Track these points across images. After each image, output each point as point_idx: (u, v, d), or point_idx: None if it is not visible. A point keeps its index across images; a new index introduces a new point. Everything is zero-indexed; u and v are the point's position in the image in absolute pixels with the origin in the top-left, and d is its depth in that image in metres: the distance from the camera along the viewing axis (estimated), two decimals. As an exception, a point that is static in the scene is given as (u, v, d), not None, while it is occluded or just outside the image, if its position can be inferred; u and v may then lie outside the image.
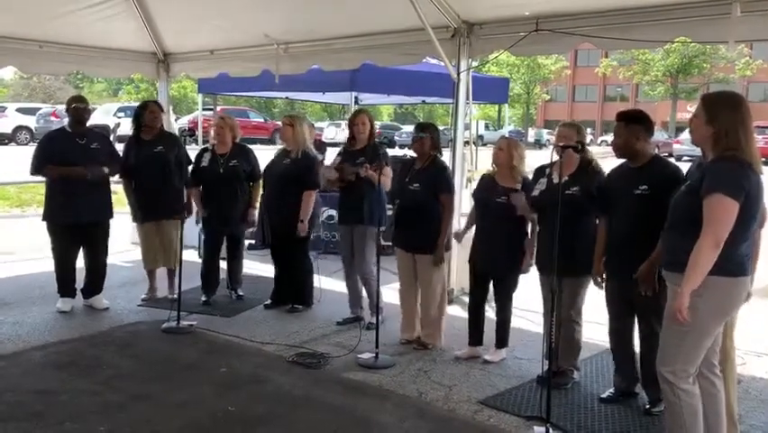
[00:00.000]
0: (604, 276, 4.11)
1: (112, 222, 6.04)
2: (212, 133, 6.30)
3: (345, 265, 5.68)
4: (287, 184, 5.74)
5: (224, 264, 6.38)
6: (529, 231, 4.63)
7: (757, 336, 5.27)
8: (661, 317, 3.23)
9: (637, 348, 4.07)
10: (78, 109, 5.78)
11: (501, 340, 4.83)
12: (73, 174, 5.55)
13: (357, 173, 5.30)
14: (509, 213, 4.54)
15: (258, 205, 6.24)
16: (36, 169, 5.71)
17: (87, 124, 6.03)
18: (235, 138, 6.19)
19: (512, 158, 4.65)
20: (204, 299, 6.17)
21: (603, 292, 4.16)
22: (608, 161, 4.24)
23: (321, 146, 10.64)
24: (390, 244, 5.47)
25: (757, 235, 3.27)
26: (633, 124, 3.88)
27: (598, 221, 4.20)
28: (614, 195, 3.98)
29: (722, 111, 3.02)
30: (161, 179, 5.97)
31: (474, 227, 4.92)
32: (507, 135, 5.43)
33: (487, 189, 4.75)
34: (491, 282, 4.83)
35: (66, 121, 6.00)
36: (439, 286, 5.09)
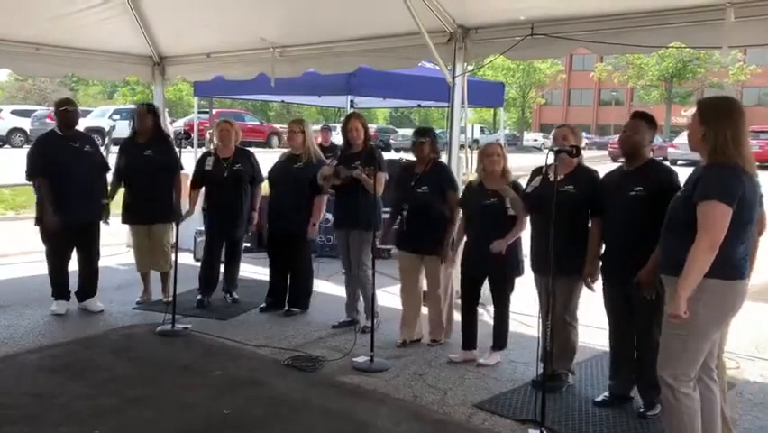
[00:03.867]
0: (592, 279, 4.13)
1: (107, 225, 6.04)
2: (213, 135, 6.29)
3: (346, 269, 5.70)
4: (301, 188, 5.77)
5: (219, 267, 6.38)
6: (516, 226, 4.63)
7: (750, 340, 5.29)
8: (659, 321, 3.24)
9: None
10: (68, 112, 5.77)
11: (498, 342, 4.85)
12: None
13: (351, 175, 5.32)
14: (497, 215, 4.59)
15: (257, 207, 6.27)
16: (31, 175, 5.70)
17: (83, 127, 6.02)
18: (237, 142, 6.21)
19: (506, 162, 4.73)
20: (199, 297, 6.18)
21: (600, 295, 4.17)
22: (602, 166, 4.26)
23: (334, 149, 10.57)
24: (386, 247, 5.49)
25: (755, 241, 3.29)
26: (650, 126, 3.95)
27: (590, 223, 4.22)
28: (609, 197, 4.00)
29: (715, 114, 3.07)
30: (153, 181, 5.96)
31: (464, 238, 4.96)
32: (496, 141, 5.48)
33: (474, 194, 4.81)
34: (485, 285, 4.88)
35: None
36: (449, 284, 5.19)
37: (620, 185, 3.94)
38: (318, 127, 12.75)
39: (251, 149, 6.61)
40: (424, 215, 5.03)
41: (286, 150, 6.22)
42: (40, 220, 5.72)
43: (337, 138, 13.42)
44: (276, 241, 6.04)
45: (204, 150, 6.80)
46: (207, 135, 9.00)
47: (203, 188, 6.19)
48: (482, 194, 4.72)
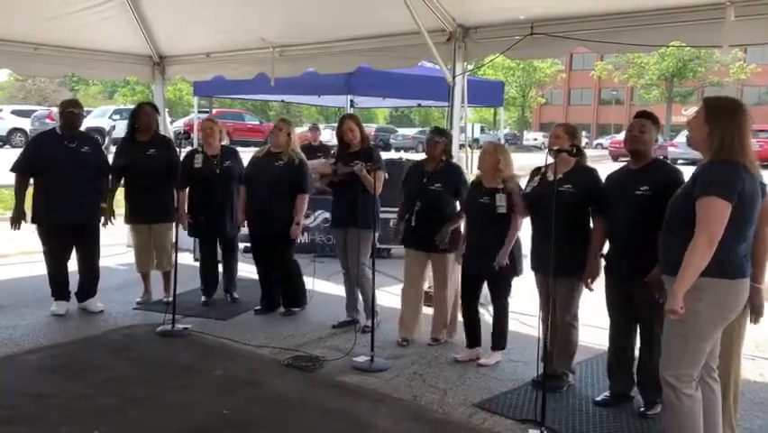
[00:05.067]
0: (592, 279, 4.12)
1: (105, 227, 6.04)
2: (201, 134, 6.28)
3: (344, 268, 5.69)
4: (279, 187, 5.73)
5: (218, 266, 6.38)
6: (511, 231, 4.63)
7: (751, 339, 5.27)
8: (662, 320, 3.24)
9: (636, 351, 4.08)
10: (73, 114, 5.76)
11: (497, 342, 4.85)
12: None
13: (352, 172, 5.31)
14: (488, 213, 4.60)
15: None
16: (17, 169, 5.71)
17: (82, 127, 6.02)
18: (222, 140, 6.21)
19: (498, 162, 4.69)
20: (204, 299, 6.21)
21: (600, 294, 4.16)
22: (603, 165, 4.25)
23: (323, 148, 10.56)
24: (386, 246, 5.48)
25: (765, 241, 3.28)
26: (655, 125, 3.96)
27: (592, 222, 4.21)
28: (614, 196, 3.99)
29: (720, 112, 3.07)
30: (154, 181, 5.96)
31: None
32: (492, 140, 5.49)
33: (473, 192, 4.82)
34: (484, 284, 4.87)
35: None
36: (456, 282, 5.18)
37: (625, 184, 3.93)
38: (307, 128, 12.80)
39: (250, 148, 6.61)
40: (434, 212, 5.03)
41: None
42: (36, 218, 5.70)
43: (325, 137, 13.21)
44: (258, 241, 6.01)
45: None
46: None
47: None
48: (479, 192, 4.73)
